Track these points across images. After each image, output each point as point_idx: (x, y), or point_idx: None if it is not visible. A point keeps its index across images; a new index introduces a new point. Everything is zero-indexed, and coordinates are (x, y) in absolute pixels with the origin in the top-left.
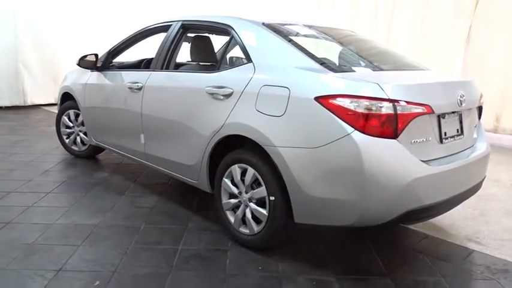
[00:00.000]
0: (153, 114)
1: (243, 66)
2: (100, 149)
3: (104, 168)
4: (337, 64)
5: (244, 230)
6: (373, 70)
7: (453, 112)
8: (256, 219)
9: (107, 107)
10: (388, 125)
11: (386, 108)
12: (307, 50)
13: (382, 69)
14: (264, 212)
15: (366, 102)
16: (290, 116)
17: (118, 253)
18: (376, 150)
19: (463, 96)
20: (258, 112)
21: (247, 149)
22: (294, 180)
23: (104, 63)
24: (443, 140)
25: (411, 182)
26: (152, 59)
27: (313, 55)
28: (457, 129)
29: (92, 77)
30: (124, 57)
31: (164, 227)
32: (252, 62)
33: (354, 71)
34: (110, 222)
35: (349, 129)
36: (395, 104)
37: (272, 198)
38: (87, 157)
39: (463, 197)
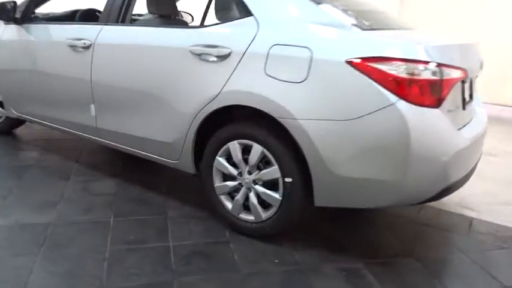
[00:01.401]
0: (109, 81)
1: (240, 20)
2: (20, 122)
3: (31, 147)
4: (359, 21)
5: (246, 216)
6: (389, 29)
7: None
8: (264, 204)
9: (35, 70)
10: (435, 93)
11: (433, 73)
12: (321, 1)
13: (393, 29)
14: (276, 195)
15: (412, 66)
16: (314, 83)
17: (95, 260)
18: (422, 121)
19: (480, 59)
20: (269, 77)
21: (251, 122)
22: (320, 159)
23: (25, 14)
24: (465, 106)
25: (454, 155)
26: (94, 10)
27: (332, 7)
28: (470, 95)
29: (8, 31)
30: (47, 8)
31: (140, 218)
32: (252, 15)
33: (383, 29)
34: (67, 218)
35: (393, 98)
36: (442, 68)
37: (288, 180)
38: (2, 132)
39: (471, 174)
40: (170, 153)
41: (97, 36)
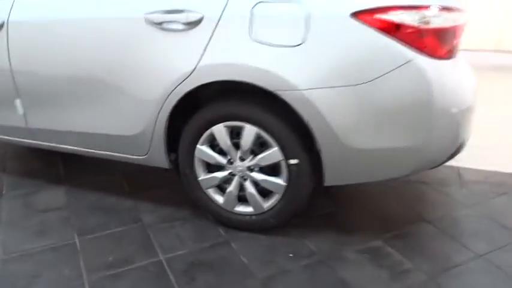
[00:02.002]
0: (36, 68)
1: None
2: None
3: None
4: None
5: (243, 209)
6: None
7: None
8: (263, 192)
9: None
10: (449, 42)
11: (449, 21)
12: None
13: None
14: (280, 181)
15: (427, 14)
16: (314, 45)
17: None
18: (441, 75)
19: None
20: (257, 43)
21: (240, 99)
22: (330, 132)
23: None
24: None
25: (467, 108)
26: None
27: None
28: None
29: None
30: None
31: (111, 232)
32: None
33: None
34: (17, 249)
35: (410, 53)
36: (454, 13)
37: (294, 161)
38: None
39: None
40: (135, 148)
41: (10, 11)
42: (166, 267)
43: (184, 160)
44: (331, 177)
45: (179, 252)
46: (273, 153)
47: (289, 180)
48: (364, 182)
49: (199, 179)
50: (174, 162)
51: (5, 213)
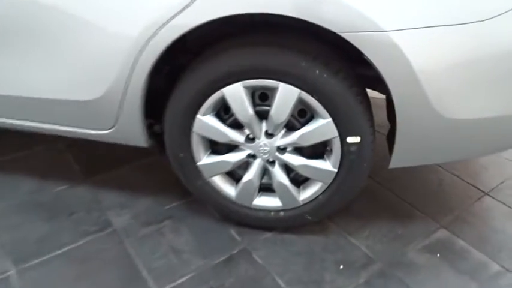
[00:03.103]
0: None
1: None
2: None
3: None
4: None
5: (265, 203)
6: None
7: None
8: (296, 180)
9: None
10: None
11: None
12: None
13: None
14: (328, 166)
15: None
16: None
17: None
18: None
19: None
20: None
21: (268, 45)
22: (420, 96)
23: None
24: None
25: None
26: None
27: None
28: None
29: None
30: None
31: (68, 249)
32: None
33: None
34: None
35: None
36: None
37: (355, 139)
38: None
39: None
40: (95, 118)
41: None
42: None
43: (174, 137)
44: (402, 158)
45: (183, 279)
46: (323, 128)
47: (341, 165)
48: (444, 161)
49: (200, 163)
50: (156, 139)
51: None
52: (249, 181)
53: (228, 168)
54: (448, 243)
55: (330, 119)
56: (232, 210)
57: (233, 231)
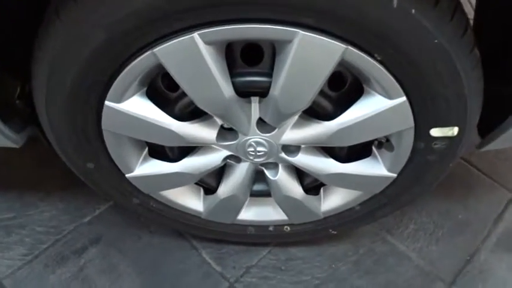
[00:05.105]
0: None
1: None
2: None
3: None
4: None
5: (261, 217)
6: None
7: None
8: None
9: None
10: None
11: None
12: None
13: None
14: (378, 169)
15: None
16: None
17: None
18: None
19: None
20: None
21: None
22: None
23: None
24: None
25: None
26: None
27: None
28: None
29: None
30: None
31: None
32: None
33: None
34: None
35: None
36: None
37: (445, 132)
38: None
39: None
40: None
41: None
42: None
43: (64, 139)
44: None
45: None
46: (388, 114)
47: (405, 169)
48: None
49: (131, 175)
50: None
51: None
52: (231, 197)
53: (186, 183)
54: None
55: (404, 98)
56: (200, 226)
57: (205, 255)
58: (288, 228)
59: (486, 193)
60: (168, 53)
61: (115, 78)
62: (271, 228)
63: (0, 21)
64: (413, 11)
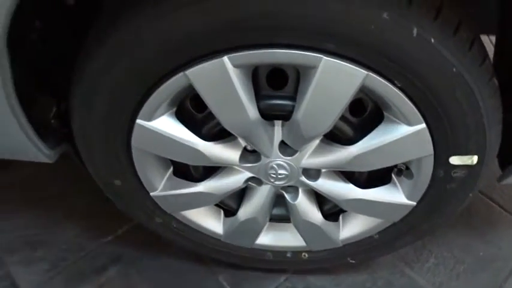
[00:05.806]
0: None
1: None
2: None
3: None
4: None
5: (279, 243)
6: None
7: None
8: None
9: None
10: None
11: None
12: None
13: None
14: (398, 197)
15: None
16: None
17: None
18: None
19: None
20: None
21: None
22: None
23: None
24: None
25: None
26: None
27: None
28: None
29: None
30: None
31: None
32: None
33: None
34: None
35: None
36: None
37: (464, 160)
38: None
39: None
40: None
41: None
42: None
43: (96, 156)
44: None
45: None
46: (408, 140)
47: (424, 197)
48: None
49: (155, 194)
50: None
51: None
52: (251, 220)
53: (209, 203)
54: None
55: (423, 125)
56: (219, 250)
57: (222, 280)
58: (306, 255)
59: (508, 230)
60: (199, 74)
61: (148, 98)
62: (289, 255)
63: (40, 45)
64: (432, 40)
